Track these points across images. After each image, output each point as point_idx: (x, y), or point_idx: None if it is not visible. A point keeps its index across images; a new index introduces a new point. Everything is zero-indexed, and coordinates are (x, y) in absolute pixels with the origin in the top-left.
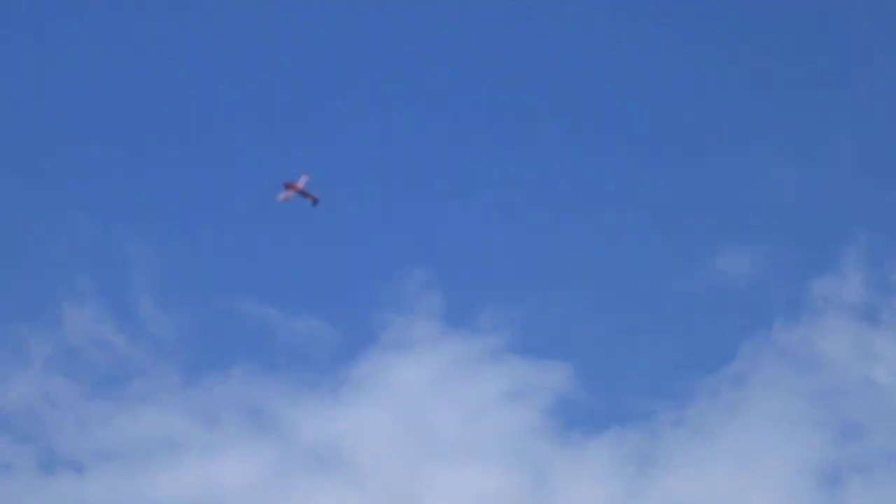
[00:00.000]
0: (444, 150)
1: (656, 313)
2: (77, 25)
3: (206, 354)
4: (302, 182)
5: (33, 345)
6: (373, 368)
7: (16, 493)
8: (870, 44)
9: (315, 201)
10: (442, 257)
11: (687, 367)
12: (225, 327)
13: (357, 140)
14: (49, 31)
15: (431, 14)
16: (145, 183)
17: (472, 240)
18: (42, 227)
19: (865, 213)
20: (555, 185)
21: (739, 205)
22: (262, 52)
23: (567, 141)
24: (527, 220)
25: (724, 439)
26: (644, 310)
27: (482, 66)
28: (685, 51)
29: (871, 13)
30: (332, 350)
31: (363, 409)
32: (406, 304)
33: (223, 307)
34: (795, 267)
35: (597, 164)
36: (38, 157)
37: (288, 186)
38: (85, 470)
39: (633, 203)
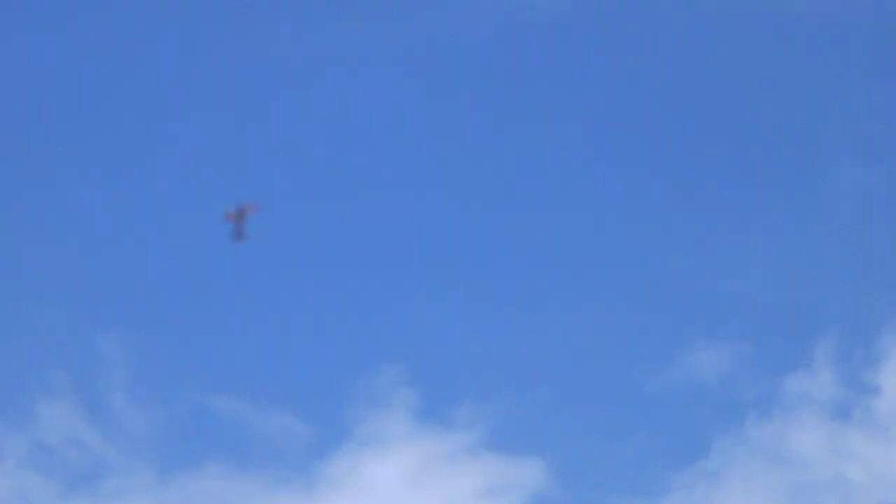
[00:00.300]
0: (418, 247)
1: (629, 409)
2: (54, 120)
3: (179, 451)
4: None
5: (6, 442)
6: (347, 465)
7: None
8: (845, 143)
9: (239, 235)
10: (416, 353)
11: (660, 463)
12: (198, 423)
13: (330, 235)
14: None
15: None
16: (117, 278)
17: (447, 336)
18: (13, 323)
19: (838, 310)
20: (526, 281)
21: (710, 299)
22: (233, 152)
23: (537, 235)
24: (500, 317)
25: None
26: (617, 405)
27: (457, 158)
28: (655, 141)
29: (844, 113)
30: (305, 446)
31: None
32: (380, 399)
33: (196, 403)
34: (767, 363)
35: (568, 258)
36: (8, 252)
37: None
38: None
39: (604, 298)
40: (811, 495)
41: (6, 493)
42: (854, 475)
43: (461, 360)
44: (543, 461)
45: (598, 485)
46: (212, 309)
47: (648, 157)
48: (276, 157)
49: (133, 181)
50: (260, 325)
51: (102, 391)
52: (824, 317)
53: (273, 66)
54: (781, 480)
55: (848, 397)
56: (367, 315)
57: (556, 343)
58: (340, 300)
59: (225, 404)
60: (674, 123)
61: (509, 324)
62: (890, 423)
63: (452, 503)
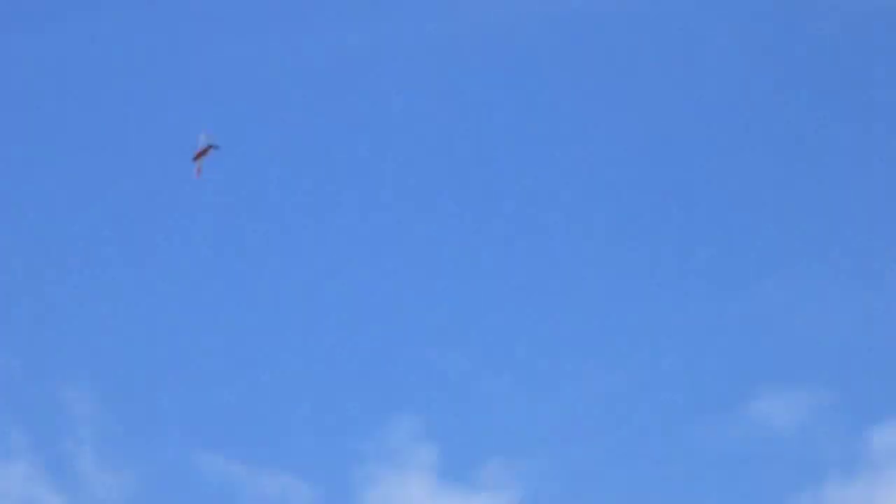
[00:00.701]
0: (437, 280)
1: (687, 468)
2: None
3: None
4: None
5: None
6: None
7: None
8: None
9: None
10: (435, 402)
11: None
12: (180, 487)
13: (338, 271)
14: None
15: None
16: (83, 319)
17: (470, 382)
18: None
19: None
20: (562, 318)
21: (782, 338)
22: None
23: (575, 264)
24: (532, 360)
25: None
26: (672, 464)
27: (484, 183)
28: (711, 156)
29: None
30: None
31: None
32: (394, 457)
33: (178, 463)
34: (850, 413)
35: (611, 290)
36: None
37: (197, 157)
38: None
39: (655, 337)
40: None
41: None
42: None
43: (487, 410)
44: None
45: None
46: (195, 353)
47: (703, 176)
48: (280, 193)
49: (103, 204)
50: (253, 371)
51: (67, 449)
52: None
53: (290, 65)
54: None
55: None
56: (377, 359)
57: (599, 391)
58: (347, 342)
59: (212, 464)
60: (734, 135)
61: (543, 368)
62: None
63: None
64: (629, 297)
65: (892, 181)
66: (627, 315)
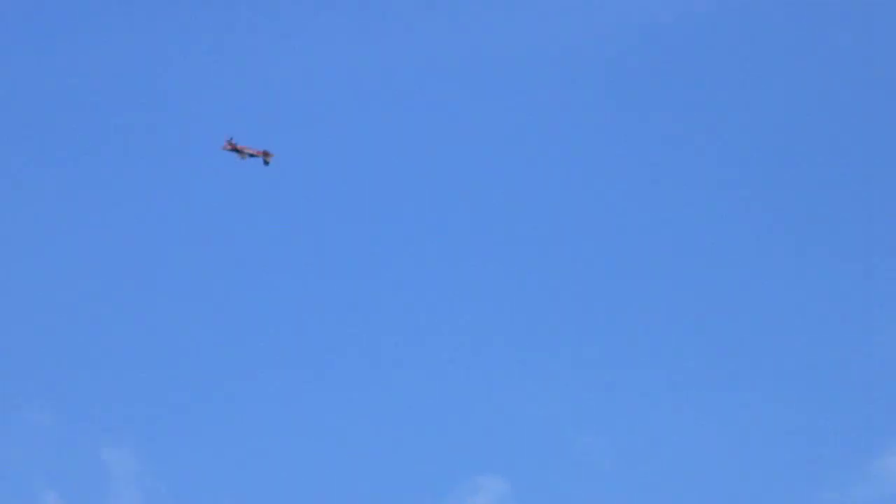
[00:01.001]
0: (520, 328)
1: None
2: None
3: None
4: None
5: None
6: None
7: None
8: None
9: (265, 158)
10: (521, 460)
11: None
12: None
13: (409, 321)
14: None
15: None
16: (126, 373)
17: (561, 435)
18: None
19: None
20: (663, 361)
21: None
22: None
23: (685, 308)
24: (629, 413)
25: None
26: None
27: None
28: (846, 208)
29: None
30: None
31: None
32: None
33: None
34: None
35: (718, 333)
36: None
37: (232, 146)
38: None
39: (770, 388)
40: None
41: None
42: None
43: (581, 467)
44: None
45: None
46: (250, 406)
47: (827, 217)
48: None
49: (151, 255)
50: (313, 426)
51: None
52: None
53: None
54: None
55: None
56: (455, 413)
57: (706, 445)
58: (417, 392)
59: None
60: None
61: (641, 421)
62: None
63: None
64: (738, 340)
65: None
66: (738, 361)
